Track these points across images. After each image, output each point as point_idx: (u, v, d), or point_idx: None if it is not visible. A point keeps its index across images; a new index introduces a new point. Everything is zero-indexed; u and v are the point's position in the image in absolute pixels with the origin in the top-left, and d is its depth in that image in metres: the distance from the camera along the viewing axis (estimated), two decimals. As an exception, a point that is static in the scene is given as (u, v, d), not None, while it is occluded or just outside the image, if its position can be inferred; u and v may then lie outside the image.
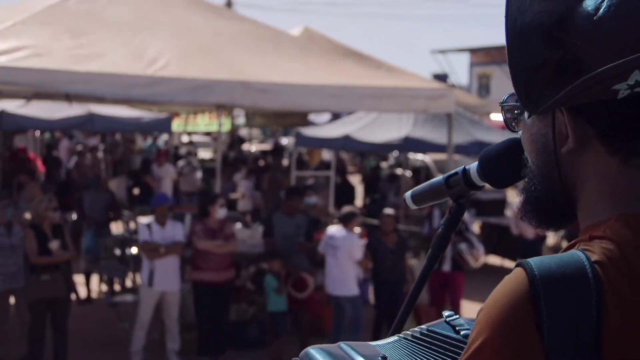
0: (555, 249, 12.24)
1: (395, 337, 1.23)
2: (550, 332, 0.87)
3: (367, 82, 7.91)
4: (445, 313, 1.20)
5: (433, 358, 1.16)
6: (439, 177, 1.33)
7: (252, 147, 21.17)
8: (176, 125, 14.93)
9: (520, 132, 1.06)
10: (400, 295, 7.84)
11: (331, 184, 9.28)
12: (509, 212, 12.26)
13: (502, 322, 0.89)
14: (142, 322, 7.28)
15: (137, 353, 7.25)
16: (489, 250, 11.56)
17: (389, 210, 8.18)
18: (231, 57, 7.71)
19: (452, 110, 8.45)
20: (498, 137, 10.82)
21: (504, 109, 1.08)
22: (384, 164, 19.34)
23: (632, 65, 0.87)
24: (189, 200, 12.40)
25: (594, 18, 0.91)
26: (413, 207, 1.41)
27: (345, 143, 11.96)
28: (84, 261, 9.39)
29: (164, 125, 14.29)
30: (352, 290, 7.50)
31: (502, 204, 12.82)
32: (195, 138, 23.40)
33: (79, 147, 16.34)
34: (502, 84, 26.92)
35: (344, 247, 7.46)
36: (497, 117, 19.68)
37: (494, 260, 12.21)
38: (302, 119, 16.66)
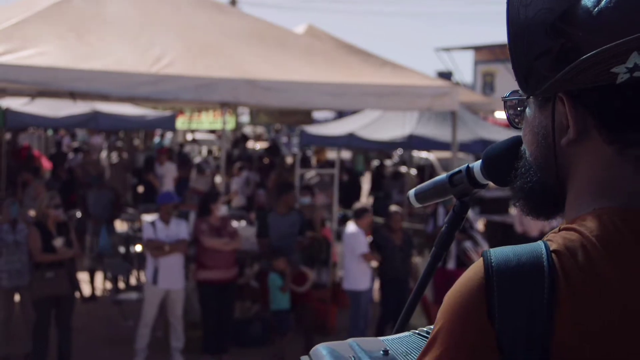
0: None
1: (406, 333, 1.24)
2: (501, 320, 0.88)
3: (371, 80, 7.90)
4: None
5: None
6: (442, 175, 1.33)
7: (257, 145, 21.18)
8: (180, 123, 14.93)
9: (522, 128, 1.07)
10: (408, 292, 7.85)
11: (335, 182, 9.26)
12: (513, 210, 12.24)
13: (455, 311, 0.92)
14: (147, 320, 7.28)
15: (141, 351, 7.26)
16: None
17: (395, 207, 8.19)
18: (235, 55, 7.71)
19: (456, 108, 8.44)
20: (502, 135, 10.80)
21: (506, 104, 1.09)
22: (388, 162, 19.33)
23: (631, 45, 0.86)
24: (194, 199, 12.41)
25: (595, 10, 0.92)
26: (417, 205, 1.41)
27: (350, 141, 11.95)
28: (88, 259, 9.41)
29: (168, 123, 14.30)
30: (359, 284, 7.54)
31: (506, 201, 12.80)
32: (198, 136, 23.41)
33: (78, 144, 16.35)
34: (507, 82, 26.84)
35: (348, 242, 7.62)
36: (502, 115, 19.63)
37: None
38: (306, 117, 16.65)
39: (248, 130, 24.00)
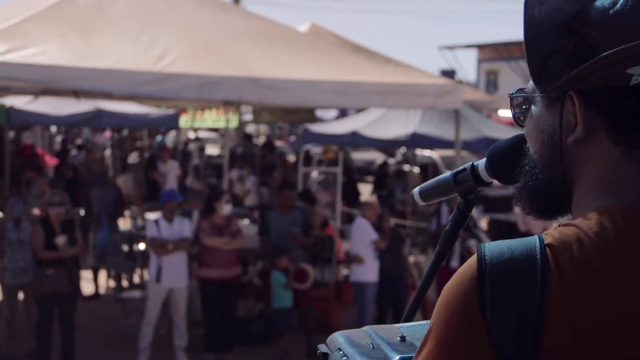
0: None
1: (423, 321, 1.25)
2: (492, 314, 0.88)
3: (374, 79, 7.89)
4: None
5: None
6: (447, 174, 1.33)
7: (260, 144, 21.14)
8: (184, 121, 14.93)
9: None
10: (404, 290, 7.86)
11: (338, 181, 9.25)
12: (516, 209, 12.22)
13: (448, 305, 0.92)
14: (150, 318, 7.28)
15: (144, 349, 7.25)
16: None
17: (382, 207, 8.27)
18: (239, 54, 7.70)
19: (459, 106, 8.42)
20: (506, 134, 10.78)
21: (512, 102, 1.09)
22: (391, 160, 19.32)
23: None
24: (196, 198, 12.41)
25: (612, 11, 0.92)
26: (421, 203, 1.41)
27: (353, 139, 11.94)
28: (91, 257, 9.41)
29: (171, 122, 14.29)
30: (367, 276, 7.61)
31: (510, 200, 12.78)
32: (201, 134, 23.41)
33: (80, 142, 16.35)
34: (510, 80, 26.81)
35: (356, 233, 7.77)
36: (506, 113, 19.61)
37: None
38: (309, 115, 16.63)
39: (251, 128, 23.97)
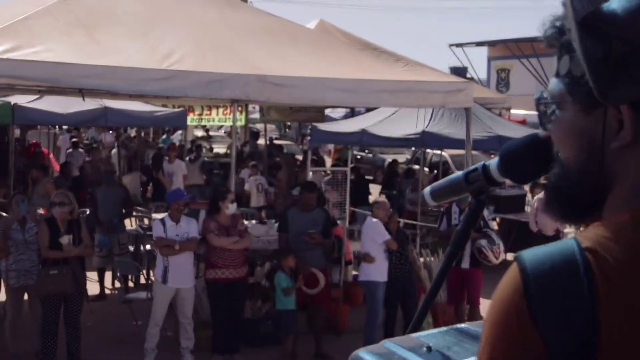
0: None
1: (441, 329, 1.25)
2: (545, 324, 0.89)
3: (384, 76, 7.78)
4: None
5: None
6: (458, 173, 1.31)
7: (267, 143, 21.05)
8: (190, 119, 14.86)
9: (552, 127, 1.06)
10: (412, 291, 7.74)
11: (347, 180, 9.13)
12: (527, 209, 12.09)
13: (499, 321, 0.93)
14: (156, 319, 7.20)
15: (150, 350, 7.18)
16: (508, 247, 11.39)
17: (390, 208, 8.14)
18: (246, 51, 7.60)
19: (470, 105, 8.31)
20: (518, 132, 10.64)
21: (538, 104, 1.07)
22: (400, 159, 19.21)
23: None
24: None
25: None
26: (432, 203, 1.42)
27: (362, 138, 11.82)
28: (97, 257, 9.33)
29: (178, 120, 14.23)
30: (376, 276, 7.51)
31: (521, 200, 12.65)
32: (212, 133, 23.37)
33: (76, 139, 16.27)
34: (522, 78, 26.66)
35: (366, 233, 7.66)
36: (518, 112, 19.46)
37: (513, 257, 12.04)
38: (318, 114, 16.54)
39: (259, 127, 23.93)
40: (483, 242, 8.01)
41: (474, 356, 1.09)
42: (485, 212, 8.49)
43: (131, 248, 9.69)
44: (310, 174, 10.80)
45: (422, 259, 8.92)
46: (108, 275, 9.71)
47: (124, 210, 9.65)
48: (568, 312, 0.88)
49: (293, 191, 13.21)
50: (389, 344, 1.01)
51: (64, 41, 6.81)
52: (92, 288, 8.86)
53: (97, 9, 7.53)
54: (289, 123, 29.63)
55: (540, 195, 10.24)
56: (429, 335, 1.04)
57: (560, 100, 1.01)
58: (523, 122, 17.37)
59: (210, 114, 14.50)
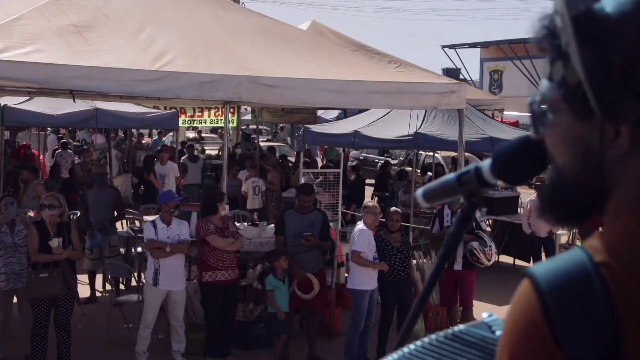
0: (568, 248, 12.06)
1: (423, 340, 1.22)
2: (568, 343, 0.88)
3: (376, 78, 7.76)
4: (484, 314, 1.22)
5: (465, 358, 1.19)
6: (451, 175, 1.30)
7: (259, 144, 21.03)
8: (182, 121, 14.81)
9: (545, 132, 1.05)
10: (409, 292, 7.70)
11: (340, 183, 9.10)
12: (521, 210, 12.09)
13: (519, 343, 0.91)
14: (147, 322, 7.16)
15: (142, 353, 7.13)
16: (501, 249, 11.39)
17: (394, 208, 8.05)
18: (238, 52, 7.57)
19: (463, 106, 8.29)
20: (510, 134, 10.64)
21: (532, 107, 1.06)
22: (393, 161, 19.20)
23: None
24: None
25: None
26: (424, 204, 1.41)
27: (354, 140, 11.80)
28: (88, 260, 9.26)
29: (170, 122, 14.17)
30: (361, 284, 7.41)
31: (514, 201, 12.65)
32: (203, 134, 23.32)
33: (66, 141, 16.17)
34: (515, 80, 26.72)
35: (351, 240, 7.53)
36: (511, 113, 19.49)
37: (505, 259, 12.03)
38: (310, 115, 16.51)
39: (251, 128, 23.89)
40: (475, 244, 8.00)
41: None
42: (478, 214, 8.48)
43: (122, 250, 9.62)
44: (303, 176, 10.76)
45: (414, 261, 8.90)
46: (99, 278, 9.65)
47: (115, 213, 9.58)
48: (591, 331, 0.87)
49: (284, 193, 13.19)
50: None
51: (55, 42, 6.75)
52: (83, 291, 8.80)
53: (88, 10, 7.48)
54: (281, 125, 29.61)
55: (534, 197, 10.24)
56: (420, 352, 1.01)
57: (553, 106, 1.00)
58: (516, 124, 17.41)
59: (202, 116, 14.46)
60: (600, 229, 0.97)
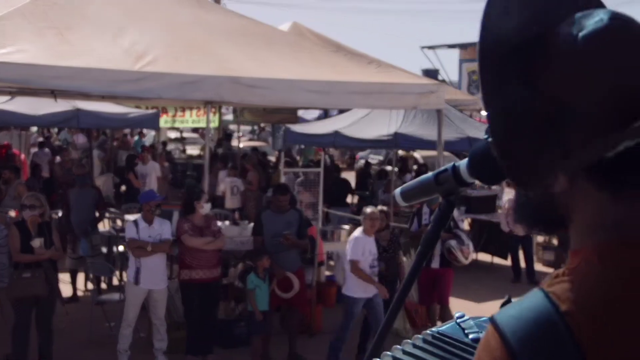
0: (545, 246, 12.23)
1: (413, 343, 1.24)
2: None
3: (356, 78, 7.83)
4: (457, 314, 1.25)
5: None
6: (428, 174, 1.32)
7: (241, 144, 21.04)
8: (164, 121, 14.81)
9: None
10: (396, 292, 7.74)
11: (320, 182, 9.18)
12: (499, 209, 12.23)
13: None
14: (129, 320, 7.19)
15: (123, 352, 7.16)
16: (479, 248, 11.52)
17: (381, 207, 8.10)
18: (219, 53, 7.61)
19: (442, 106, 8.39)
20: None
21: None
22: (373, 160, 19.30)
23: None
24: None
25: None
26: (403, 203, 1.41)
27: (335, 139, 11.89)
28: (69, 259, 9.27)
29: (151, 122, 14.17)
30: (356, 292, 7.37)
31: (492, 200, 12.79)
32: (185, 134, 23.27)
33: (44, 140, 16.00)
34: (492, 81, 26.82)
35: (347, 246, 7.47)
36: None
37: (484, 257, 12.17)
38: (291, 115, 16.57)
39: (232, 128, 23.86)
40: (452, 242, 8.09)
41: None
42: (456, 213, 8.57)
43: (104, 249, 9.63)
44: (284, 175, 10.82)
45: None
46: (81, 277, 9.65)
47: (97, 213, 9.59)
48: None
49: (267, 193, 13.24)
50: None
51: (36, 42, 6.75)
52: (65, 290, 8.81)
53: (69, 10, 7.48)
54: (262, 124, 29.60)
55: (512, 195, 10.38)
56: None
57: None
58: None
59: (183, 115, 14.47)
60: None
